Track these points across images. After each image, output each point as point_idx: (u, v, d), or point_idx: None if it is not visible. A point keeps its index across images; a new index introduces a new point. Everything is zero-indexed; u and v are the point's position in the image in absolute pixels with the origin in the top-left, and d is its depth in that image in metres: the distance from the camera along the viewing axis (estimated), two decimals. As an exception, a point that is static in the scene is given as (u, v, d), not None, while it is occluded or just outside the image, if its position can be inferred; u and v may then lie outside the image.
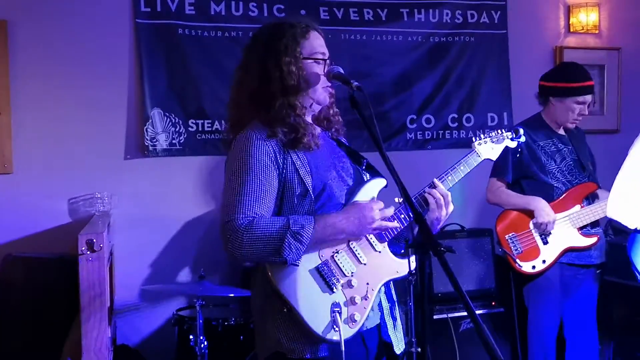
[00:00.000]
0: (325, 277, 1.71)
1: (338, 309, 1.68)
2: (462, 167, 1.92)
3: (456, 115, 4.17)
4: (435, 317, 3.57)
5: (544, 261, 2.95)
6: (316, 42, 1.83)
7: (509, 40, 4.24)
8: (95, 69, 3.45)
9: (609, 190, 3.04)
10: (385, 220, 1.76)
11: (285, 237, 1.63)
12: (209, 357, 2.82)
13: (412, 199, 1.81)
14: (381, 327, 1.87)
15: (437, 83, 4.11)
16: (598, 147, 4.28)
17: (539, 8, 4.38)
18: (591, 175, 3.08)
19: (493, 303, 3.65)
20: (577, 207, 2.99)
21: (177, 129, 3.58)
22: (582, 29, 4.40)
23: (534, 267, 2.96)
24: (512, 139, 2.02)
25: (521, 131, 2.02)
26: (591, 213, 2.96)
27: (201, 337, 2.74)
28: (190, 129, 3.61)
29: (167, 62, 3.55)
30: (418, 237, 1.50)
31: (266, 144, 1.72)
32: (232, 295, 2.85)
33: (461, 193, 3.89)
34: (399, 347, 1.91)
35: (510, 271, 3.19)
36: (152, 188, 3.54)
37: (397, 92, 4.03)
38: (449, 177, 1.89)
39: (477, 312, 3.57)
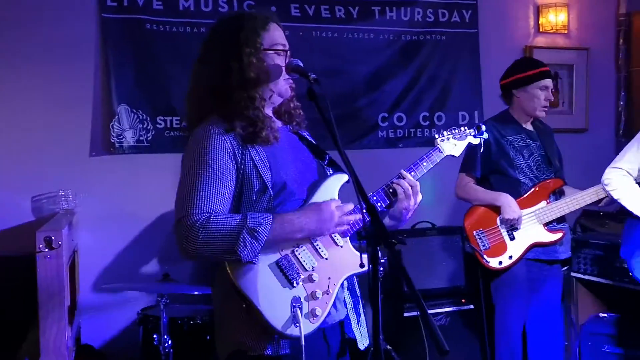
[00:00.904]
0: (285, 271, 1.68)
1: (299, 304, 1.65)
2: (424, 164, 1.91)
3: (428, 114, 4.18)
4: (405, 314, 3.56)
5: (510, 257, 2.96)
6: (276, 34, 1.80)
7: (480, 39, 4.27)
8: (60, 64, 3.37)
9: (575, 187, 3.08)
10: (348, 216, 1.74)
11: (241, 234, 1.59)
12: (174, 357, 2.77)
13: (380, 189, 1.83)
14: (345, 323, 1.85)
15: (408, 82, 4.12)
16: (567, 146, 4.32)
17: (509, 8, 4.41)
18: (558, 172, 3.10)
19: (463, 300, 3.66)
20: (544, 203, 3.00)
21: (144, 126, 3.52)
22: (552, 29, 4.44)
23: (500, 262, 2.97)
24: (474, 136, 2.02)
25: (483, 127, 2.02)
26: (557, 209, 2.98)
27: (165, 336, 2.70)
28: (158, 125, 3.56)
29: (134, 57, 3.49)
30: (370, 229, 1.47)
31: (224, 139, 1.68)
32: (196, 293, 2.81)
33: (432, 191, 3.87)
34: (362, 342, 1.89)
35: (479, 267, 3.19)
36: (118, 186, 3.47)
37: (369, 90, 4.03)
38: (412, 173, 1.88)
39: (447, 309, 3.63)
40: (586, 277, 3.37)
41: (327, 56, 3.87)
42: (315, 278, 1.71)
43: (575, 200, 2.96)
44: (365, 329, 1.92)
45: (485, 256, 2.98)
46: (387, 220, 1.87)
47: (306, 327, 1.66)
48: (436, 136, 1.99)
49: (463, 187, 3.08)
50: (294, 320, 1.64)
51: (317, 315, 1.69)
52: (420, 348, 3.50)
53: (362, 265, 1.67)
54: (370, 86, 4.01)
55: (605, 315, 3.31)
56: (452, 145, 1.98)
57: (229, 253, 1.60)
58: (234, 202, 1.70)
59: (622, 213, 3.70)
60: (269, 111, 1.82)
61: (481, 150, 2.19)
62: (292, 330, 1.65)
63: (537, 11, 4.46)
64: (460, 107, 4.23)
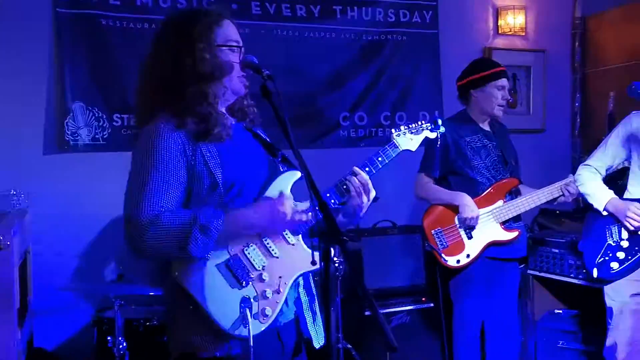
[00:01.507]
0: (234, 271, 1.66)
1: (248, 305, 1.64)
2: (379, 159, 1.89)
3: (389, 114, 4.20)
4: (367, 313, 3.57)
5: (468, 255, 2.99)
6: (230, 30, 1.78)
7: (440, 40, 4.31)
8: (12, 59, 3.27)
9: (532, 185, 3.14)
10: (300, 214, 1.72)
11: (191, 231, 1.57)
12: (130, 359, 2.71)
13: (333, 186, 1.81)
14: (300, 322, 1.83)
15: (370, 81, 4.14)
16: (524, 146, 4.40)
17: (469, 9, 4.47)
18: (514, 171, 3.15)
19: (423, 299, 3.68)
20: (500, 202, 3.04)
21: (100, 124, 3.45)
22: (510, 31, 4.52)
23: (458, 261, 3.00)
24: (431, 130, 2.01)
25: (440, 122, 2.02)
26: (513, 208, 3.02)
27: (120, 338, 2.63)
28: (115, 123, 3.48)
29: (90, 53, 3.41)
30: (322, 226, 1.46)
31: (174, 135, 1.65)
32: (152, 294, 2.75)
33: (393, 190, 3.91)
34: (318, 341, 1.87)
35: (437, 266, 3.22)
36: (73, 185, 3.38)
37: (331, 89, 4.03)
38: (366, 169, 1.86)
39: (407, 307, 3.65)
40: (542, 274, 3.43)
41: (288, 55, 3.85)
42: (265, 277, 1.69)
43: (531, 199, 3.01)
44: (322, 327, 1.90)
45: (443, 255, 3.01)
46: (340, 218, 1.85)
47: (256, 327, 1.64)
48: (393, 131, 1.97)
49: (422, 186, 3.10)
50: (243, 320, 1.62)
51: (268, 315, 1.67)
52: (380, 347, 3.51)
53: (314, 263, 1.65)
54: (331, 85, 4.01)
55: (561, 311, 3.38)
56: (409, 139, 1.96)
57: (180, 250, 1.58)
58: (184, 199, 1.67)
59: (578, 211, 3.79)
60: (222, 108, 1.79)
61: (438, 144, 2.18)
62: (241, 331, 1.63)
63: (496, 13, 4.52)
64: (421, 107, 4.26)
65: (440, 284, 3.39)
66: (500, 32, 4.52)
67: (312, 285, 1.90)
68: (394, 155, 1.93)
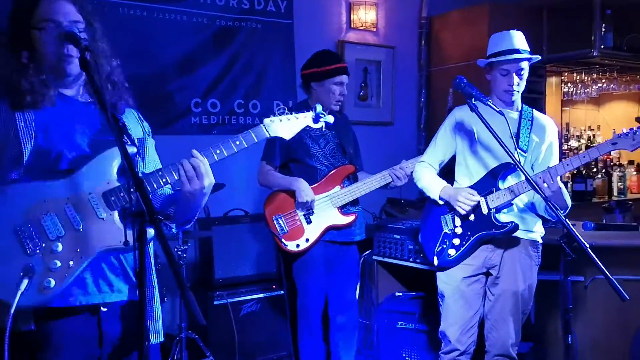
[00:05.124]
0: (21, 238, 1.59)
1: (29, 274, 1.56)
2: (237, 142, 1.75)
3: (242, 101, 4.16)
4: (215, 302, 3.52)
5: (307, 240, 3.09)
6: (47, 8, 1.70)
7: (295, 30, 4.35)
8: None
9: (370, 173, 3.28)
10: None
11: None
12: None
13: (163, 168, 1.72)
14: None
15: (223, 68, 4.07)
16: (374, 137, 4.61)
17: (324, 2, 4.55)
18: (353, 159, 3.29)
19: (274, 286, 3.70)
20: (337, 188, 3.17)
21: None
22: (362, 26, 4.67)
23: (298, 245, 3.08)
24: (315, 120, 1.87)
25: (319, 107, 1.88)
26: (349, 193, 3.16)
27: None
28: None
29: None
30: (137, 205, 1.40)
31: None
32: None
33: (245, 179, 3.89)
34: (155, 337, 1.79)
35: (280, 252, 3.27)
36: None
37: (181, 74, 3.91)
38: (217, 151, 1.74)
39: (258, 295, 3.65)
40: (385, 259, 3.59)
41: (135, 36, 3.68)
42: (57, 249, 1.60)
43: (365, 185, 3.17)
44: (159, 322, 1.82)
45: (283, 240, 3.08)
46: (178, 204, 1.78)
47: (33, 298, 1.56)
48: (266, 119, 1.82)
49: (263, 174, 3.18)
50: (16, 288, 1.54)
51: (49, 287, 1.58)
52: (229, 336, 3.48)
53: (126, 243, 1.60)
54: (181, 70, 3.89)
55: (401, 294, 3.56)
56: (284, 126, 1.81)
57: None
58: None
59: (422, 200, 4.01)
60: (65, 87, 1.74)
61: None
62: (11, 299, 1.53)
63: (349, 7, 4.65)
64: (274, 96, 4.27)
65: (284, 270, 3.44)
66: (352, 26, 4.65)
67: (154, 275, 1.81)
68: (255, 141, 1.78)
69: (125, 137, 1.68)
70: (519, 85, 2.75)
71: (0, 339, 1.51)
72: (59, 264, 1.59)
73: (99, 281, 1.67)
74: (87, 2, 1.74)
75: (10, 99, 1.64)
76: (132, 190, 1.50)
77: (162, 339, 1.83)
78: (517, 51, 2.72)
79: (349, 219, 3.16)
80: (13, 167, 1.61)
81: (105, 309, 1.68)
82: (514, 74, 2.72)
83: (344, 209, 3.16)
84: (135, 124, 1.86)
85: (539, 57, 2.80)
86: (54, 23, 1.66)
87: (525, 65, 2.74)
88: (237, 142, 1.75)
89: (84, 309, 1.66)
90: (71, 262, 1.60)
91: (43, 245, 1.60)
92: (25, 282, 1.54)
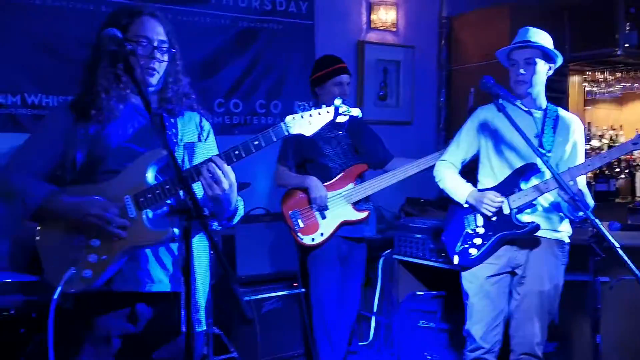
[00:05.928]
0: (71, 235, 1.79)
1: (75, 264, 1.75)
2: (255, 142, 1.76)
3: (264, 102, 4.21)
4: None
5: (322, 234, 3.27)
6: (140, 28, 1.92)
7: (316, 31, 4.38)
8: None
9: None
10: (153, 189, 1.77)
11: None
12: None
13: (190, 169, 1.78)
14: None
15: (245, 68, 4.12)
16: (394, 137, 4.61)
17: (344, 2, 4.58)
18: (368, 158, 3.43)
19: (295, 284, 3.73)
20: (351, 185, 3.34)
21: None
22: (382, 26, 4.69)
23: (313, 239, 3.27)
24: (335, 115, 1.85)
25: (338, 101, 1.86)
26: (362, 190, 3.32)
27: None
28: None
29: None
30: (184, 203, 1.45)
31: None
32: (10, 280, 2.56)
33: (266, 178, 3.93)
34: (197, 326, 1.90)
35: (297, 247, 3.43)
36: None
37: (204, 75, 3.95)
38: (236, 152, 1.77)
39: (279, 293, 3.68)
40: (406, 258, 3.61)
41: (160, 37, 3.72)
42: (95, 244, 1.77)
43: (377, 182, 3.33)
44: (202, 311, 1.92)
45: (299, 234, 3.28)
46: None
47: (76, 285, 1.75)
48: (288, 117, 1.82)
49: (278, 175, 3.39)
50: (64, 277, 1.74)
51: (88, 278, 1.76)
52: (251, 332, 3.52)
53: (172, 240, 1.73)
54: (205, 71, 3.94)
55: (422, 293, 3.58)
56: (307, 123, 1.80)
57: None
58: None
59: (442, 199, 4.02)
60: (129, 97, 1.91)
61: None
62: (57, 284, 1.74)
63: (370, 8, 4.67)
64: (295, 97, 4.30)
65: (300, 265, 3.56)
66: (372, 26, 4.68)
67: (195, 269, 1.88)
68: (274, 140, 1.78)
69: (164, 138, 1.73)
70: (527, 75, 2.70)
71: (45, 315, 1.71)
72: (95, 257, 1.77)
73: (137, 272, 1.81)
74: (169, 23, 1.97)
75: (79, 109, 1.83)
76: (166, 189, 1.67)
77: (204, 328, 1.94)
78: (527, 42, 2.72)
79: (363, 214, 3.31)
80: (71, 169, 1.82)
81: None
82: (522, 64, 2.71)
83: (357, 205, 3.32)
84: (192, 128, 1.95)
85: (546, 46, 2.72)
86: (147, 40, 1.88)
87: (534, 55, 2.71)
88: (256, 143, 1.77)
89: (124, 295, 1.82)
90: (104, 257, 1.77)
91: (86, 239, 1.79)
92: (70, 271, 1.74)
